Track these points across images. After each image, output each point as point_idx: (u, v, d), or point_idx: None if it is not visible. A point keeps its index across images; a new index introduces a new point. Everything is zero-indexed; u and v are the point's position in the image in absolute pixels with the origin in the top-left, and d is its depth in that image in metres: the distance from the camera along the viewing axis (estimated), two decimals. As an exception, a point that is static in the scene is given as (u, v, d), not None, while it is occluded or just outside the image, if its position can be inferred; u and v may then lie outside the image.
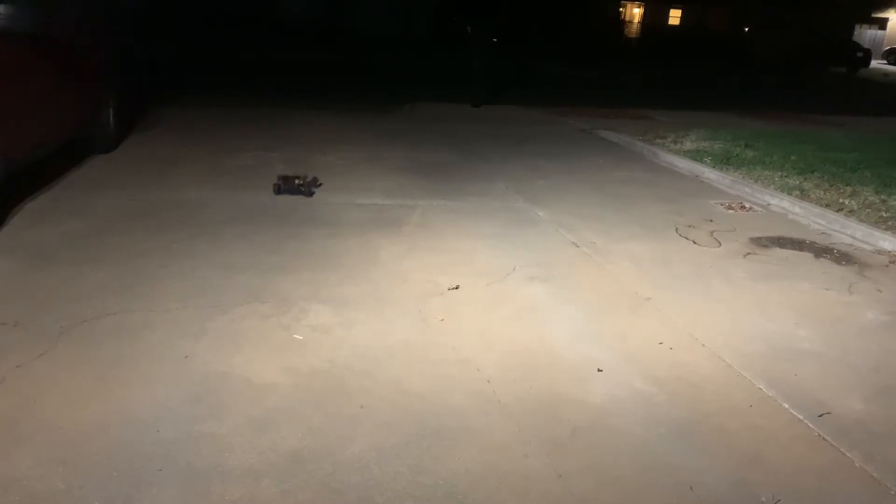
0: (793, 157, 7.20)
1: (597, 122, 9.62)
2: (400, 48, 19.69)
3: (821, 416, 2.68)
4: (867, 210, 5.44)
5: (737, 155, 7.31)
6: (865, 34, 36.54)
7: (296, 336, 3.06)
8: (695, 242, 4.72)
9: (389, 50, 19.17)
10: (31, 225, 4.27)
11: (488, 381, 2.79)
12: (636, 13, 32.48)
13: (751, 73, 21.29)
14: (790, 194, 5.88)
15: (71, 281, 3.48)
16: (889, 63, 34.05)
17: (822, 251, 4.69)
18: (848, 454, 2.46)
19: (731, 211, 5.60)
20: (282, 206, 4.95)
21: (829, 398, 2.82)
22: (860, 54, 28.25)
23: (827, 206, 5.56)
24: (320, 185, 5.45)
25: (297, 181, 5.23)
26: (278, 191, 5.19)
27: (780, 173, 6.56)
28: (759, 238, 4.89)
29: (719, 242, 4.74)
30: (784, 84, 18.90)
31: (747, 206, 5.76)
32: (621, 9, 31.77)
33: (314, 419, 2.46)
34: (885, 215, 5.30)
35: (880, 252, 4.71)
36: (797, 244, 4.82)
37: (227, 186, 5.41)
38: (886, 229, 4.99)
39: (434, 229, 4.67)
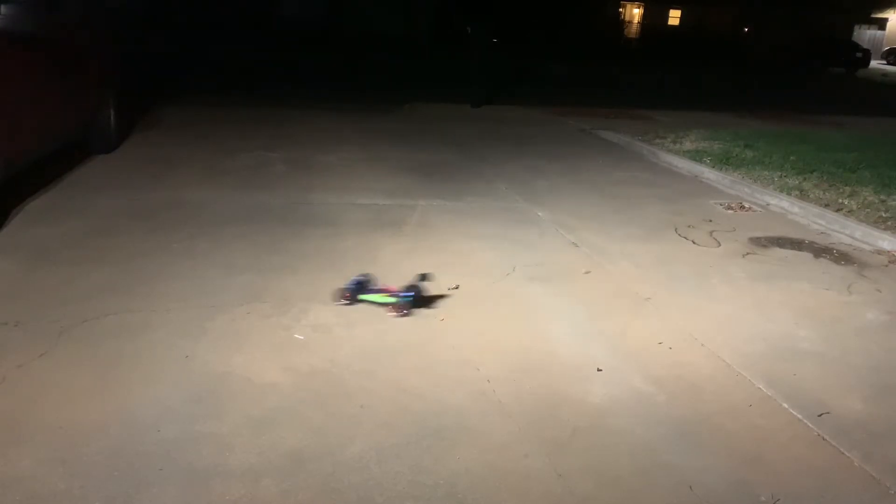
0: (792, 157, 7.21)
1: (597, 122, 9.63)
2: (400, 48, 19.69)
3: (820, 415, 2.68)
4: (866, 210, 5.44)
5: (736, 155, 7.31)
6: (865, 34, 36.55)
7: (296, 336, 3.06)
8: (694, 242, 4.72)
9: (389, 50, 19.17)
10: (31, 225, 4.27)
11: (488, 380, 2.79)
12: (636, 13, 32.49)
13: (750, 73, 21.29)
14: (789, 194, 5.88)
15: (71, 281, 3.48)
16: (888, 63, 34.07)
17: (821, 251, 4.69)
18: (847, 454, 2.46)
19: (730, 211, 5.60)
20: (282, 206, 4.95)
21: (829, 398, 2.82)
22: (859, 54, 28.29)
23: (826, 206, 5.56)
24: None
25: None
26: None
27: (779, 173, 6.57)
28: (759, 238, 4.89)
29: (719, 242, 4.74)
30: (783, 84, 18.91)
31: (747, 206, 5.76)
32: (621, 9, 31.77)
33: (314, 419, 2.46)
34: (884, 215, 5.31)
35: (879, 252, 4.72)
36: (796, 244, 4.82)
37: (227, 186, 5.41)
38: (885, 229, 5.00)
39: (434, 229, 4.68)
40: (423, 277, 3.45)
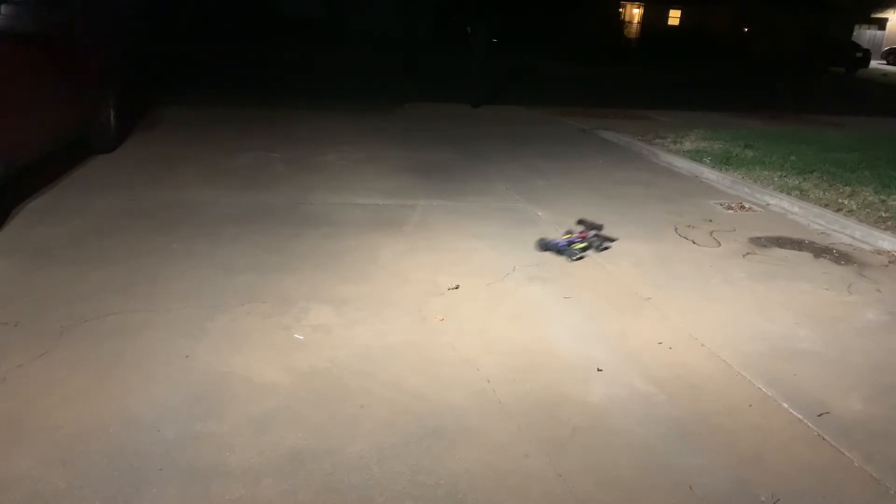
0: (792, 158, 7.21)
1: (596, 122, 9.63)
2: (400, 48, 19.67)
3: (820, 415, 2.68)
4: (866, 210, 5.44)
5: (736, 155, 7.31)
6: (865, 34, 36.53)
7: (296, 336, 3.06)
8: (694, 242, 4.72)
9: (389, 50, 19.15)
10: (31, 225, 4.27)
11: (488, 380, 2.79)
12: (636, 13, 32.47)
13: (750, 73, 21.29)
14: (789, 194, 5.88)
15: (71, 281, 3.48)
16: (888, 63, 34.04)
17: (821, 251, 4.69)
18: (847, 454, 2.46)
19: (730, 211, 5.60)
20: (282, 206, 4.95)
21: (829, 398, 2.82)
22: (859, 54, 28.25)
23: (826, 206, 5.56)
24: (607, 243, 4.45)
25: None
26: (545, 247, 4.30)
27: (779, 173, 6.56)
28: (759, 238, 4.89)
29: (719, 242, 4.74)
30: (783, 84, 18.91)
31: (747, 206, 5.76)
32: (621, 9, 31.76)
33: (314, 419, 2.46)
34: (884, 215, 5.30)
35: (879, 252, 4.72)
36: (797, 244, 4.82)
37: (227, 186, 5.41)
38: (885, 229, 5.00)
39: (434, 229, 4.68)
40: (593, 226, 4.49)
